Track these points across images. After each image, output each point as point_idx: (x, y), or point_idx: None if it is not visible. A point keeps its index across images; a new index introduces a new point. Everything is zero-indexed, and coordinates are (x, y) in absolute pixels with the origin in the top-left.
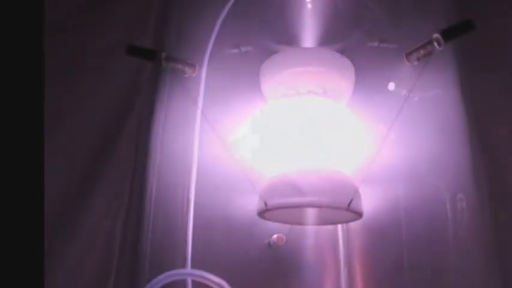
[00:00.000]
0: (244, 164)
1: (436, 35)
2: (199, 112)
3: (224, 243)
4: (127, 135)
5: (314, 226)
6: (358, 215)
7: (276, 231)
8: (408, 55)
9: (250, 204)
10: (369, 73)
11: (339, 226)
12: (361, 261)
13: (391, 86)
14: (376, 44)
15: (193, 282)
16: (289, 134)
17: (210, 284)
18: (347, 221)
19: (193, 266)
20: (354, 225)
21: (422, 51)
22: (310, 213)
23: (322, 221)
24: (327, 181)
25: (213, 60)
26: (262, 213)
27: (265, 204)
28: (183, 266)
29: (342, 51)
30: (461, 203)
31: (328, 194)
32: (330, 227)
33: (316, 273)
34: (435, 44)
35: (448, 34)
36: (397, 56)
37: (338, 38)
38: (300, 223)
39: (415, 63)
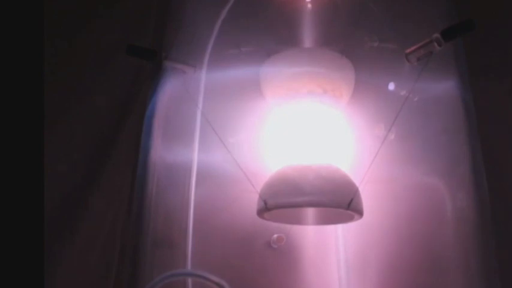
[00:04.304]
0: (244, 163)
1: (436, 35)
2: (199, 112)
3: (224, 243)
4: (127, 135)
5: (314, 226)
6: (358, 214)
7: (276, 231)
8: (408, 55)
9: (250, 204)
10: (369, 73)
11: (339, 226)
12: (361, 261)
13: (391, 86)
14: (376, 44)
15: (193, 282)
16: (290, 134)
17: (210, 284)
18: (347, 221)
19: (193, 266)
20: (354, 224)
21: (422, 51)
22: (310, 213)
23: (322, 221)
24: (327, 181)
25: (213, 60)
26: (262, 213)
27: (265, 204)
28: (183, 266)
29: (342, 51)
30: (462, 202)
31: (328, 194)
32: (330, 227)
33: (315, 273)
34: (435, 44)
35: (448, 34)
36: (397, 56)
37: (338, 38)
38: (300, 223)
39: (415, 63)
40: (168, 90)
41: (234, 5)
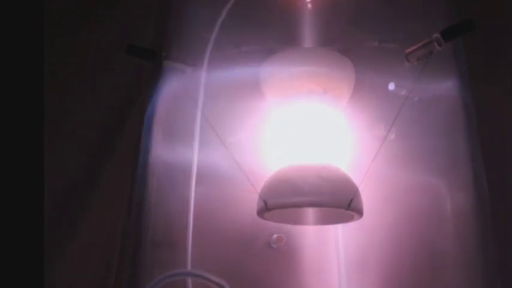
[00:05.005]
0: (244, 163)
1: (436, 35)
2: (199, 112)
3: (224, 243)
4: (127, 135)
5: (314, 226)
6: (358, 214)
7: (276, 231)
8: (408, 55)
9: (250, 204)
10: (369, 73)
11: (339, 226)
12: (361, 261)
13: (391, 86)
14: (376, 44)
15: (193, 282)
16: (290, 134)
17: (210, 284)
18: (347, 221)
19: (193, 266)
20: (354, 224)
21: (422, 51)
22: (310, 213)
23: (322, 221)
24: (327, 181)
25: (213, 60)
26: (262, 213)
27: (265, 204)
28: (183, 266)
29: (342, 51)
30: (462, 202)
31: (328, 194)
32: (330, 226)
33: (315, 273)
34: (435, 44)
35: (448, 34)
36: (397, 56)
37: (338, 38)
38: (300, 223)
39: (415, 63)
40: (168, 90)
41: (234, 4)
